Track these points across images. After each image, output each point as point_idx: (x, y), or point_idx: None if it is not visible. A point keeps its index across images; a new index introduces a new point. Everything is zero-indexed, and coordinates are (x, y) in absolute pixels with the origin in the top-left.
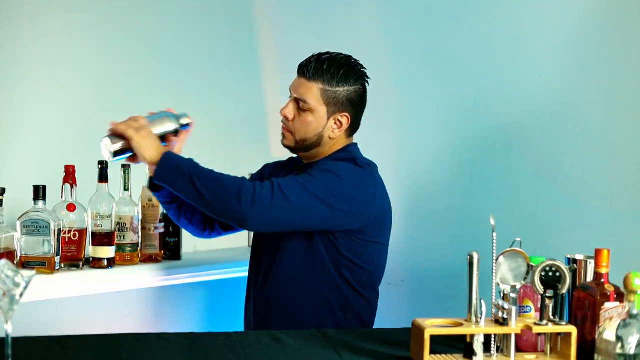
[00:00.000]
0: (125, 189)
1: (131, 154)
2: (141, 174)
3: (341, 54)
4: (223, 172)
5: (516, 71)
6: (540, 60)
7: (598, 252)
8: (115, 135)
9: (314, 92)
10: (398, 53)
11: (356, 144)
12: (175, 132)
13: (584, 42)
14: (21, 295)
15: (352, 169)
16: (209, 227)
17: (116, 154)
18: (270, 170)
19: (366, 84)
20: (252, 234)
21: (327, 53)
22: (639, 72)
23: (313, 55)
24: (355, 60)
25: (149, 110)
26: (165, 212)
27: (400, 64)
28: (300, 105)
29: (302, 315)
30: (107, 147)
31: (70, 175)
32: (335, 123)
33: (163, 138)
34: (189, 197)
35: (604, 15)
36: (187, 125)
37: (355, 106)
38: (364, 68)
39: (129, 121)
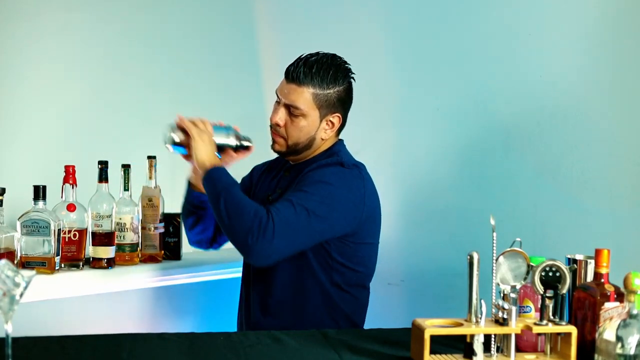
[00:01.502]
0: (125, 189)
1: (186, 152)
2: (141, 174)
3: (326, 53)
4: None
5: (516, 71)
6: (540, 60)
7: (598, 252)
8: (180, 128)
9: (305, 97)
10: (398, 53)
11: (342, 141)
12: (234, 149)
13: (583, 42)
14: (21, 295)
15: (340, 172)
16: (215, 241)
17: (175, 144)
18: (259, 172)
19: (352, 80)
20: None
21: (312, 55)
22: (639, 71)
23: (300, 59)
24: (340, 58)
25: (219, 120)
26: (184, 216)
27: (400, 64)
28: (291, 111)
29: (291, 318)
30: (169, 135)
31: (70, 175)
32: (327, 124)
33: (220, 149)
34: (213, 210)
35: (603, 15)
36: (246, 147)
37: (345, 104)
38: (348, 64)
39: (198, 120)
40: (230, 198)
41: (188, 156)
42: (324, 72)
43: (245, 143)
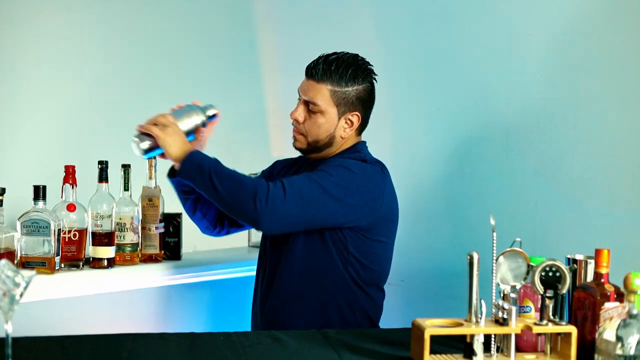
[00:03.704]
0: (125, 189)
1: (162, 151)
2: (141, 174)
3: (348, 53)
4: None
5: (516, 71)
6: (541, 60)
7: (598, 252)
8: (144, 133)
9: (323, 93)
10: (398, 53)
11: (364, 142)
12: (203, 124)
13: (583, 42)
14: (21, 295)
15: (362, 164)
16: (220, 224)
17: (146, 151)
18: (280, 168)
19: (374, 81)
20: (253, 232)
21: (334, 53)
22: (639, 71)
23: (320, 57)
24: (362, 59)
25: (177, 103)
26: (181, 204)
27: (400, 64)
28: (310, 107)
29: (310, 313)
30: (137, 146)
31: (70, 175)
32: (346, 122)
33: (193, 131)
34: (207, 194)
35: (603, 16)
36: (214, 116)
37: (365, 104)
38: (371, 65)
39: (157, 118)
40: (221, 172)
41: (164, 154)
42: (343, 70)
43: (210, 112)
